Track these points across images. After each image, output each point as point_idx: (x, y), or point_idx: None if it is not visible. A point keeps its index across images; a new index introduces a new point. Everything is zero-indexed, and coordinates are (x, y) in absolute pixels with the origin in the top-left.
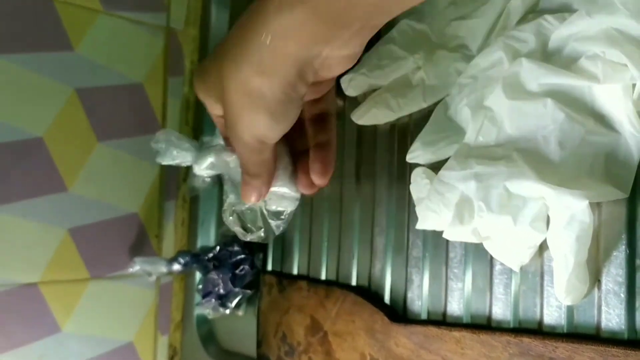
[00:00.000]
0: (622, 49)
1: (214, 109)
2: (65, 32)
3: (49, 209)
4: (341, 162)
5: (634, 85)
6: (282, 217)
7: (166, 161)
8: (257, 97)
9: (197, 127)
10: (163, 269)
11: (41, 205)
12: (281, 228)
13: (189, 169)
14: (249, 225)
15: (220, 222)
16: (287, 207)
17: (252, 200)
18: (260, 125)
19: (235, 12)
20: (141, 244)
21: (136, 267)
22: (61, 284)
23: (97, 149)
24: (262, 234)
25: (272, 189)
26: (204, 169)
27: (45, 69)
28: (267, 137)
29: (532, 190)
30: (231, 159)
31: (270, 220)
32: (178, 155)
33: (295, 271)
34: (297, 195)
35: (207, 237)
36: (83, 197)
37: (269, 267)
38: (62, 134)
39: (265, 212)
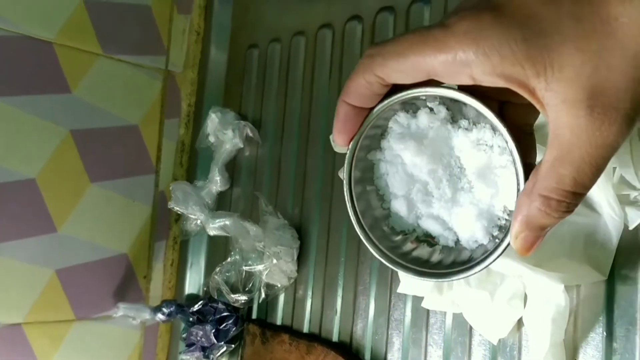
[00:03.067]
0: None
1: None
2: (63, 75)
3: (37, 249)
4: (329, 217)
5: (614, 169)
6: (274, 289)
7: (179, 208)
8: None
9: (191, 169)
10: (146, 316)
11: (29, 246)
12: (268, 299)
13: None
14: (240, 286)
15: (209, 267)
16: (282, 282)
17: (528, 254)
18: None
19: (234, 55)
20: (129, 284)
21: (120, 313)
22: (45, 324)
23: (89, 190)
24: (247, 298)
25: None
26: (216, 228)
27: (42, 110)
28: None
29: (510, 268)
30: (251, 228)
31: (262, 289)
32: (194, 208)
33: (278, 321)
34: (295, 275)
35: (197, 280)
36: (72, 237)
37: (254, 315)
38: (55, 175)
39: (263, 280)
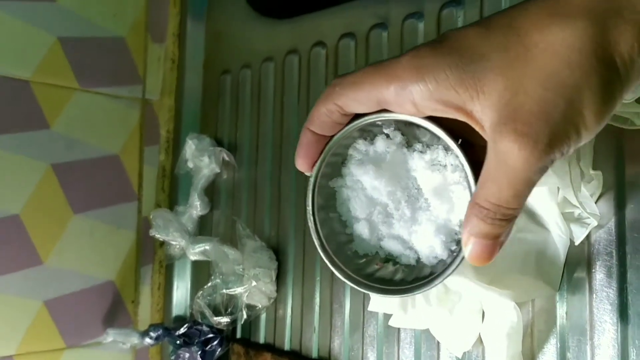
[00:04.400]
0: None
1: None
2: (41, 111)
3: (24, 283)
4: (304, 238)
5: (558, 188)
6: (255, 310)
7: (160, 235)
8: None
9: (172, 194)
10: (135, 340)
11: (17, 279)
12: (250, 319)
13: None
14: (222, 309)
15: (194, 288)
16: (262, 303)
17: (483, 263)
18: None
19: (208, 82)
20: (118, 310)
21: (109, 339)
22: (37, 355)
23: (72, 221)
24: (229, 320)
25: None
26: (196, 253)
27: (21, 148)
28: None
29: (465, 286)
30: (230, 252)
31: (244, 310)
32: (175, 235)
33: (261, 340)
34: (275, 295)
35: (183, 302)
36: (59, 269)
37: (238, 335)
38: (38, 210)
39: (244, 301)
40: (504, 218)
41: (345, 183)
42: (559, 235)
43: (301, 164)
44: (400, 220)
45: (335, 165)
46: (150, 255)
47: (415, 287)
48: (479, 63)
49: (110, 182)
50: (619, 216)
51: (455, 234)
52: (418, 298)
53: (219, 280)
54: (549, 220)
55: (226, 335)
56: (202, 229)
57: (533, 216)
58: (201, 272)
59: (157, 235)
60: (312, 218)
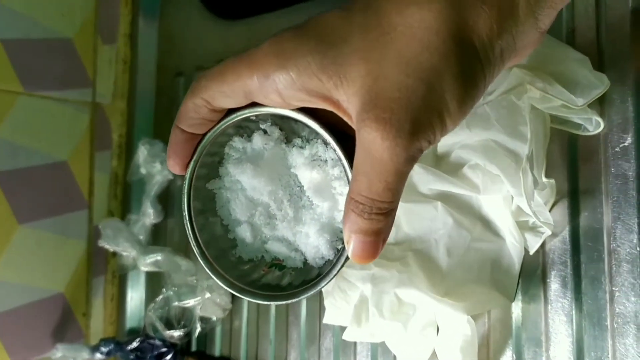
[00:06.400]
0: (497, 162)
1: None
2: None
3: None
4: None
5: (512, 197)
6: (210, 322)
7: (110, 246)
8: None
9: (126, 202)
10: (85, 356)
11: None
12: (205, 331)
13: None
14: (175, 321)
15: (149, 299)
16: (217, 315)
17: (367, 261)
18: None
19: (161, 84)
20: (68, 323)
21: (58, 354)
22: None
23: (18, 232)
24: (183, 333)
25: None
26: (148, 264)
27: None
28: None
29: (418, 299)
30: (183, 263)
31: (198, 323)
32: (125, 245)
33: (217, 352)
34: (230, 306)
35: (138, 313)
36: (3, 282)
37: (193, 348)
38: None
39: (197, 313)
40: (381, 212)
41: (223, 184)
42: (513, 244)
43: (172, 165)
44: (284, 220)
45: (212, 166)
46: (102, 266)
47: (300, 292)
48: (340, 47)
49: (58, 190)
50: (573, 224)
51: (341, 231)
52: (371, 311)
53: (171, 292)
54: (503, 229)
55: (180, 349)
56: (157, 237)
57: (488, 225)
58: (156, 282)
59: (107, 246)
60: (188, 224)
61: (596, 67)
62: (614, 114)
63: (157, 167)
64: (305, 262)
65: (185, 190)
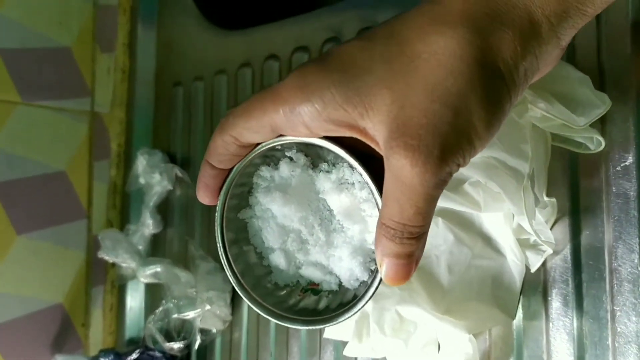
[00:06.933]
0: (498, 180)
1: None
2: None
3: None
4: None
5: (513, 215)
6: (210, 334)
7: (109, 257)
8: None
9: (125, 211)
10: None
11: None
12: (205, 343)
13: None
14: (175, 333)
15: (148, 309)
16: (217, 327)
17: (401, 283)
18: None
19: (160, 94)
20: (67, 334)
21: None
22: None
23: (16, 243)
24: (182, 345)
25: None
26: (147, 276)
27: None
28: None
29: (420, 317)
30: (182, 274)
31: (197, 335)
32: (125, 257)
33: None
34: (230, 318)
35: (137, 324)
36: (2, 294)
37: (193, 359)
38: None
39: (197, 325)
40: (412, 236)
41: (254, 213)
42: (515, 262)
43: (202, 197)
44: (316, 245)
45: (242, 196)
46: (101, 276)
47: (339, 314)
48: (363, 78)
49: (57, 200)
50: (575, 243)
51: (373, 252)
52: (372, 327)
53: (171, 304)
54: (504, 246)
55: None
56: (156, 248)
57: (489, 242)
58: (155, 292)
59: (106, 257)
60: (223, 255)
61: (597, 86)
62: (615, 132)
63: (156, 177)
64: (340, 284)
65: (218, 222)
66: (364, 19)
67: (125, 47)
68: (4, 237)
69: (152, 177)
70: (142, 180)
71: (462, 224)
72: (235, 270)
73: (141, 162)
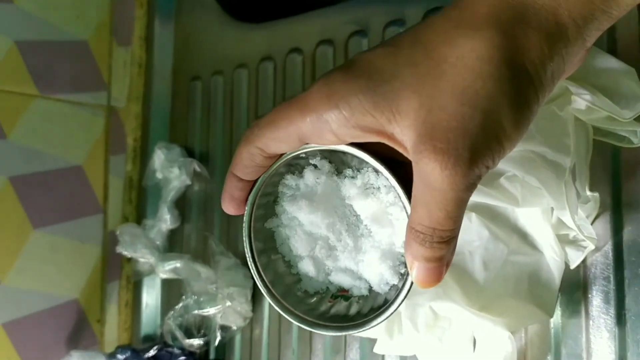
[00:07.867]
0: (538, 175)
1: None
2: None
3: None
4: None
5: (552, 209)
6: (230, 331)
7: (128, 252)
8: None
9: (141, 206)
10: None
11: None
12: (225, 340)
13: None
14: (195, 330)
15: (164, 305)
16: (237, 323)
17: (432, 286)
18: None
19: (177, 88)
20: (82, 330)
21: None
22: None
23: (32, 237)
24: (202, 342)
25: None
26: (166, 271)
27: None
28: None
29: (456, 313)
30: (203, 270)
31: (217, 332)
32: (144, 252)
33: None
34: (251, 314)
35: (153, 320)
36: (18, 289)
37: (211, 356)
38: None
39: (217, 322)
40: (442, 240)
41: (281, 222)
42: (554, 259)
43: (228, 207)
44: (345, 251)
45: (267, 205)
46: (117, 271)
47: (371, 319)
48: (390, 83)
49: (73, 194)
50: (616, 239)
51: (402, 255)
52: (405, 324)
53: (190, 300)
54: (542, 243)
55: (199, 358)
56: (173, 243)
57: (525, 237)
58: (171, 287)
59: (125, 252)
60: (253, 265)
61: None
62: None
63: (174, 172)
64: (370, 289)
65: (246, 232)
66: (390, 13)
67: (142, 41)
68: (20, 231)
69: (171, 171)
70: (159, 175)
71: (497, 219)
72: (266, 280)
73: (159, 157)
